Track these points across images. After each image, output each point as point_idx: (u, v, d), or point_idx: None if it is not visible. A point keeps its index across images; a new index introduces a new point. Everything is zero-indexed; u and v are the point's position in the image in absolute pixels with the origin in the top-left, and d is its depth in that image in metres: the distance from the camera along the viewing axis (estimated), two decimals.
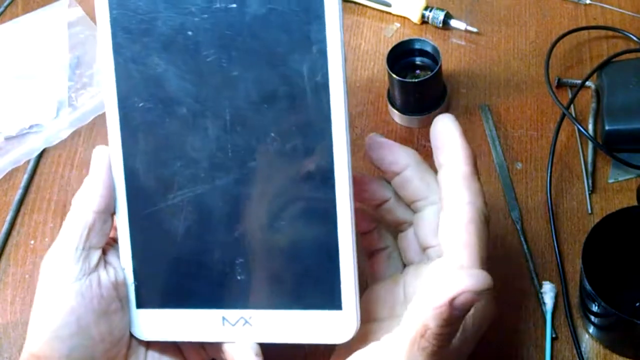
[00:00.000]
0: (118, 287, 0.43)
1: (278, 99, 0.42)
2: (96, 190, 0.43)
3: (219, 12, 0.41)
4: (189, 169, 0.43)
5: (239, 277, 0.43)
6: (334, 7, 0.40)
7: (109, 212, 0.43)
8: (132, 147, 0.43)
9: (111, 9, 0.42)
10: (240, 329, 0.43)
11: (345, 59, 0.41)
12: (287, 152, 0.42)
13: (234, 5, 0.41)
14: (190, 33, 0.42)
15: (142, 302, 0.44)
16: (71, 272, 0.42)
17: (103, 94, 0.43)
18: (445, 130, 0.43)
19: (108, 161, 0.43)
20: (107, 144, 0.67)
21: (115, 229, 0.45)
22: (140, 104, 0.43)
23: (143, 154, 0.43)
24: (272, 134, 0.42)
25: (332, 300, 0.42)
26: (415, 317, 0.38)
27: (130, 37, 0.42)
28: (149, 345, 0.46)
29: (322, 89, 0.41)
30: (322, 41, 0.41)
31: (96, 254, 0.43)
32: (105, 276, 0.43)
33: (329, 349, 0.45)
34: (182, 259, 0.44)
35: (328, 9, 0.40)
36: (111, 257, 0.44)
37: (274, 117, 0.42)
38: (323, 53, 0.41)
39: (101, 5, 0.42)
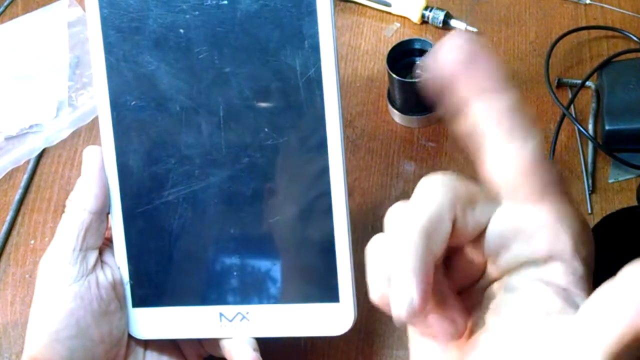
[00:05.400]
0: (116, 287, 0.43)
1: (271, 95, 0.42)
2: (90, 190, 0.43)
3: (210, 9, 0.41)
4: (183, 166, 0.43)
5: (235, 273, 0.44)
6: (326, 2, 0.40)
7: (104, 212, 0.43)
8: (125, 145, 0.43)
9: (101, 8, 0.42)
10: (238, 324, 0.44)
11: (338, 54, 0.41)
12: (281, 148, 0.42)
13: (225, 2, 0.41)
14: (181, 30, 0.42)
15: (139, 301, 0.44)
16: (69, 274, 0.41)
17: (95, 93, 0.43)
18: (459, 52, 0.30)
19: (100, 161, 0.43)
20: None
21: (110, 229, 0.45)
22: (133, 102, 0.43)
23: (136, 152, 0.43)
24: (266, 130, 0.42)
25: (329, 293, 0.42)
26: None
27: (122, 35, 0.42)
28: (147, 344, 0.46)
29: (316, 83, 0.41)
30: (315, 36, 0.41)
31: (93, 255, 0.43)
32: (103, 277, 0.43)
33: (329, 343, 0.45)
34: (178, 257, 0.44)
35: (320, 3, 0.40)
36: (107, 257, 0.44)
37: (268, 113, 0.42)
38: (316, 48, 0.41)
39: (91, 4, 0.42)
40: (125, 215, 0.44)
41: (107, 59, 0.42)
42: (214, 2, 0.41)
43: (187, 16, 0.41)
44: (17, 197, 0.65)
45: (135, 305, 0.44)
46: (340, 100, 0.41)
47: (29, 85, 0.72)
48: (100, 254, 0.44)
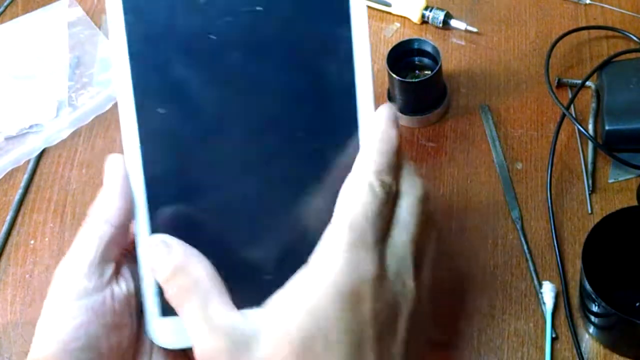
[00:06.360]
0: (130, 299, 0.42)
1: (304, 101, 0.41)
2: (113, 202, 0.42)
3: (243, 14, 0.41)
4: (214, 176, 0.42)
5: (264, 283, 0.43)
6: (361, 7, 0.40)
7: (127, 225, 0.42)
8: (153, 156, 0.41)
9: (126, 15, 0.40)
10: None
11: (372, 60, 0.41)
12: (315, 155, 0.41)
13: (260, 8, 0.41)
14: (213, 37, 0.41)
15: (167, 310, 0.44)
16: (83, 286, 0.41)
17: (119, 106, 0.41)
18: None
19: (123, 171, 0.42)
20: (106, 144, 0.67)
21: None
22: (162, 111, 0.41)
23: (165, 163, 0.41)
24: (300, 135, 0.41)
25: None
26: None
27: (148, 44, 0.40)
28: (153, 352, 0.45)
29: (350, 89, 0.41)
30: (349, 41, 0.41)
31: (110, 268, 0.42)
32: (118, 289, 0.42)
33: None
34: None
35: (354, 9, 0.40)
36: (124, 268, 0.43)
37: (300, 119, 0.41)
38: (349, 53, 0.41)
39: (115, 13, 0.40)
40: (153, 227, 0.42)
41: (132, 68, 0.41)
42: (247, 8, 0.40)
43: (219, 22, 0.40)
44: (17, 197, 0.65)
45: (163, 314, 0.44)
46: (375, 107, 0.41)
47: (29, 85, 0.72)
48: (118, 263, 0.43)
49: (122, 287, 0.42)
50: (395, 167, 0.40)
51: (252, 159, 0.42)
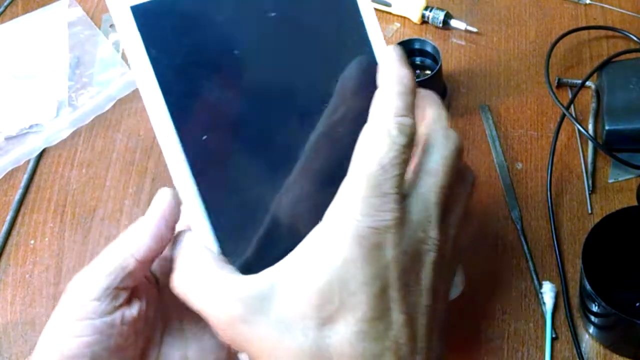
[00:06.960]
0: (138, 322, 0.42)
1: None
2: (144, 239, 0.41)
3: (259, 24, 0.40)
4: (271, 191, 0.40)
5: None
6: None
7: (152, 262, 0.41)
8: (207, 181, 0.39)
9: (148, 49, 0.39)
10: None
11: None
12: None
13: (273, 14, 0.40)
14: (236, 52, 0.40)
15: None
16: (94, 308, 0.40)
17: (160, 143, 0.40)
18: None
19: (168, 207, 0.40)
20: (106, 144, 0.68)
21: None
22: (204, 137, 0.40)
23: (223, 188, 0.40)
24: (340, 130, 0.41)
25: None
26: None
27: (176, 72, 0.40)
28: None
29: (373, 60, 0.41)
30: (362, 28, 0.41)
31: (125, 293, 0.41)
32: (129, 313, 0.41)
33: None
34: None
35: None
36: (141, 292, 0.43)
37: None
38: (365, 39, 0.41)
39: (137, 48, 0.38)
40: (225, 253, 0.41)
41: (166, 100, 0.39)
42: (261, 15, 0.40)
43: (239, 36, 0.40)
44: (17, 197, 0.65)
45: None
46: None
47: (29, 85, 0.72)
48: (136, 286, 0.42)
49: (134, 309, 0.41)
50: (413, 107, 0.38)
51: (312, 164, 0.41)
